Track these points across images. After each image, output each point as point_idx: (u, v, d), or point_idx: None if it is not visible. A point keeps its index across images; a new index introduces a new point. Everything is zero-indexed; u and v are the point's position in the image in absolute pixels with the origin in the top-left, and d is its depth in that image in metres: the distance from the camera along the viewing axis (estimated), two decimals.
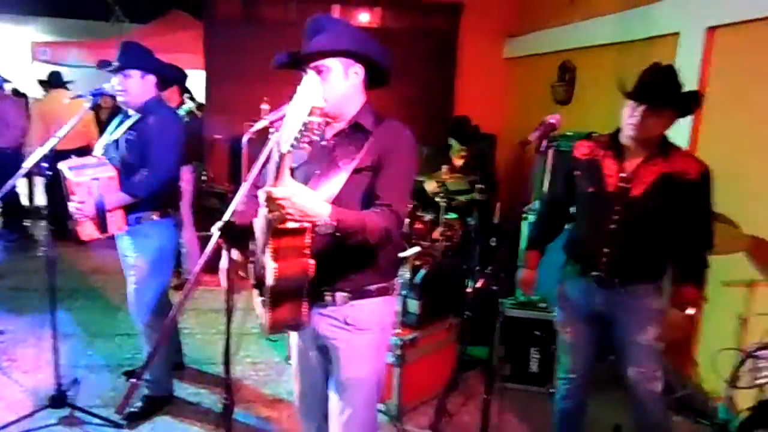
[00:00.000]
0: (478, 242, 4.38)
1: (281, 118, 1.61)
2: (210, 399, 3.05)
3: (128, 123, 2.75)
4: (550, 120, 1.73)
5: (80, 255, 5.32)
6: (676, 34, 3.36)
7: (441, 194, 3.86)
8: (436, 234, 3.92)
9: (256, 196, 1.77)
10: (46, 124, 5.70)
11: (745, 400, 2.76)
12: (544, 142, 1.74)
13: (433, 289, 3.07)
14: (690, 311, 2.17)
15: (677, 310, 2.18)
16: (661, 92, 2.04)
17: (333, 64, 1.71)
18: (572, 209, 2.41)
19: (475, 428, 2.86)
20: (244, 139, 1.62)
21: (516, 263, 3.98)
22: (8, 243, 5.74)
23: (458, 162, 4.48)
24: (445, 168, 4.08)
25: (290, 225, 1.54)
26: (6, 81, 5.70)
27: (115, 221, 2.68)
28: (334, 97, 1.71)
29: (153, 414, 2.84)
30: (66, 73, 6.36)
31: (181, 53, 6.11)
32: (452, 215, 4.10)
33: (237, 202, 1.62)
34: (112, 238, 2.80)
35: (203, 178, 5.45)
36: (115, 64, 2.70)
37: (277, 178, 1.47)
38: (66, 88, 5.88)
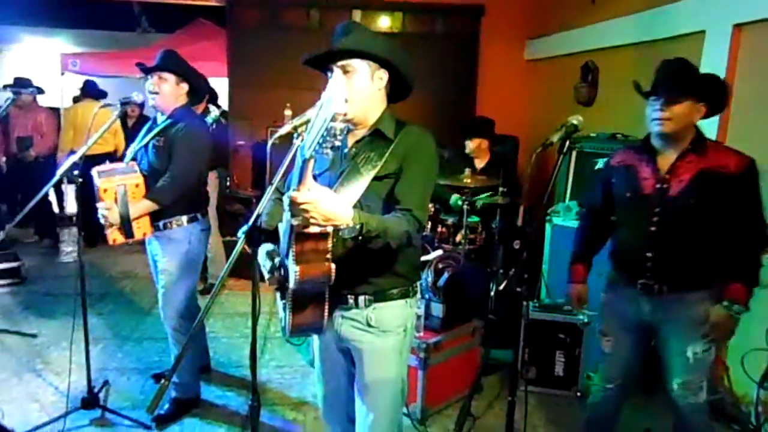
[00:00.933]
0: (501, 245, 4.37)
1: (305, 123, 1.64)
2: (237, 401, 3.09)
3: (157, 129, 2.81)
4: (572, 121, 1.72)
5: (109, 260, 5.45)
6: (702, 32, 3.30)
7: (463, 198, 3.86)
8: (458, 237, 3.93)
9: (280, 201, 1.80)
10: (76, 133, 5.87)
11: None
12: (567, 144, 1.72)
13: (457, 293, 3.07)
14: (737, 310, 2.06)
15: (723, 309, 2.08)
16: (673, 83, 2.02)
17: (360, 65, 1.74)
18: (613, 218, 2.34)
19: (499, 431, 2.86)
20: (269, 144, 1.65)
21: (540, 266, 3.97)
22: (41, 249, 5.89)
23: (479, 163, 4.47)
24: (467, 171, 4.07)
25: (313, 229, 1.56)
26: (40, 92, 5.86)
27: (142, 227, 2.74)
28: (358, 98, 1.73)
29: (181, 416, 2.89)
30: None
31: (206, 61, 6.22)
32: (474, 218, 4.09)
33: (262, 207, 1.64)
34: (142, 242, 2.86)
35: (227, 183, 5.54)
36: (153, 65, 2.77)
37: (300, 182, 1.49)
38: (97, 99, 6.04)
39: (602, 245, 2.43)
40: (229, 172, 5.66)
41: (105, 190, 2.64)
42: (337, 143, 1.39)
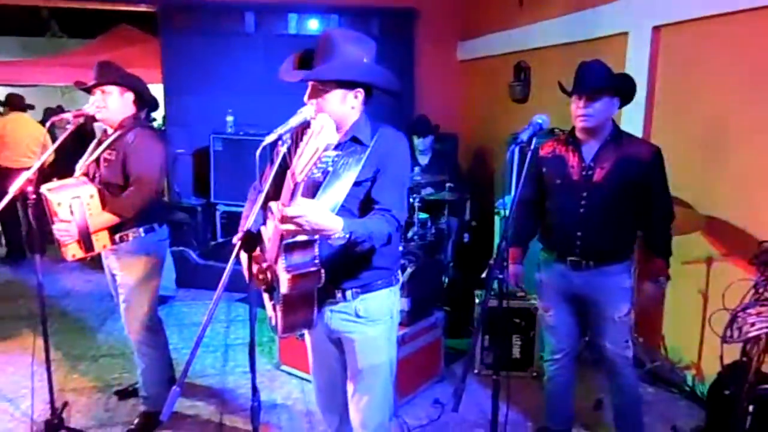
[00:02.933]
0: (450, 239, 4.56)
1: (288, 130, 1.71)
2: (207, 410, 3.08)
3: (107, 142, 2.75)
4: (537, 120, 1.88)
5: (45, 280, 5.16)
6: (625, 33, 3.61)
7: (413, 195, 4.00)
8: (409, 233, 4.06)
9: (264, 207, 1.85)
10: (5, 148, 5.57)
11: (709, 367, 3.03)
12: (533, 141, 1.89)
13: (419, 286, 3.20)
14: (662, 282, 2.41)
15: (651, 283, 2.43)
16: (593, 82, 2.29)
17: (332, 90, 1.80)
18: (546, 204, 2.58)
19: (466, 414, 3.02)
20: (258, 152, 1.69)
21: (489, 256, 4.19)
22: None
23: (423, 160, 4.64)
24: (416, 169, 4.22)
25: (300, 238, 1.64)
26: None
27: (101, 239, 2.68)
28: (334, 114, 1.78)
29: (152, 429, 2.85)
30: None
31: (135, 68, 6.02)
32: (423, 215, 4.25)
33: (255, 214, 1.69)
34: (79, 260, 2.74)
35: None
36: (93, 82, 2.70)
37: (291, 198, 1.56)
38: (24, 111, 5.78)
39: (536, 229, 2.68)
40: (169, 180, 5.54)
41: (59, 204, 2.56)
42: (330, 169, 1.48)
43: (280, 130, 1.73)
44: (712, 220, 3.05)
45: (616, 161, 2.34)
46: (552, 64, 4.48)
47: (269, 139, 1.72)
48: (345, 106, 1.83)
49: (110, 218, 2.64)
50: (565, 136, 2.51)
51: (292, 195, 1.56)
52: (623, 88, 2.39)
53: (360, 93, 1.84)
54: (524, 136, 1.84)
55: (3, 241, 5.91)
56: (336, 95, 1.81)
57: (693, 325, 3.17)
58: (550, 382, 2.71)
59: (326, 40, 1.80)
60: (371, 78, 1.83)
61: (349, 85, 1.81)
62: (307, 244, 1.67)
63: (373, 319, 1.92)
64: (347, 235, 1.63)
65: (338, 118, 1.81)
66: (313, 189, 1.78)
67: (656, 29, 3.40)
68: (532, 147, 1.91)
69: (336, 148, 1.86)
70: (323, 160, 1.47)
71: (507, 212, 1.93)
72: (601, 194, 2.36)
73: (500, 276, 1.79)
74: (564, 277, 2.50)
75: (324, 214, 1.59)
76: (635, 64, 3.47)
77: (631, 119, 3.43)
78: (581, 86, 2.32)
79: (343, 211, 1.76)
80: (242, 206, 2.11)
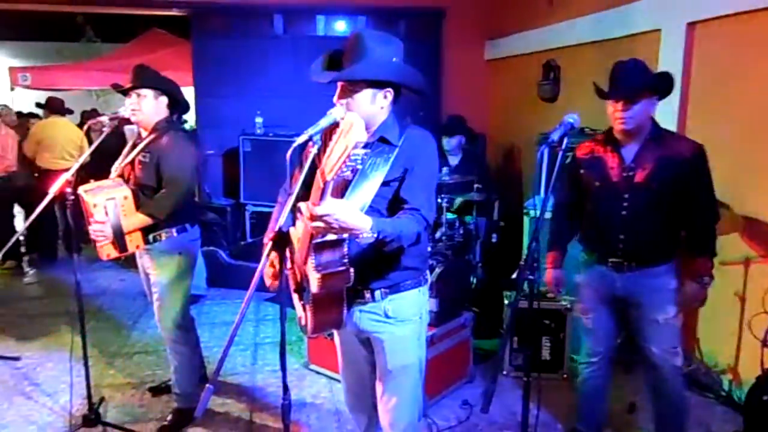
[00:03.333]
0: (479, 240, 4.54)
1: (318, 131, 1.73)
2: (237, 408, 3.13)
3: (142, 145, 2.81)
4: (568, 119, 1.86)
5: (80, 278, 5.31)
6: (658, 30, 3.54)
7: (441, 195, 3.99)
8: (437, 234, 4.05)
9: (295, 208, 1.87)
10: (43, 150, 5.74)
11: (747, 372, 2.95)
12: (564, 140, 1.87)
13: (447, 287, 3.19)
14: (706, 281, 2.34)
15: (694, 283, 2.35)
16: (630, 84, 2.23)
17: (363, 90, 1.81)
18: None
19: (495, 415, 3.01)
20: (288, 153, 1.71)
21: (518, 257, 4.15)
22: (2, 271, 5.68)
23: (453, 161, 4.62)
24: (444, 169, 4.21)
25: (329, 237, 1.65)
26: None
27: (134, 240, 2.74)
28: (363, 114, 1.79)
29: (185, 426, 2.90)
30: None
31: (166, 71, 6.15)
32: (450, 215, 4.23)
33: (286, 214, 1.71)
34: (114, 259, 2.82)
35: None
36: (129, 85, 2.77)
37: (321, 198, 1.57)
38: (63, 115, 5.97)
39: (575, 232, 2.64)
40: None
41: (95, 205, 2.63)
42: (359, 167, 1.48)
43: (310, 130, 1.74)
44: (750, 221, 2.97)
45: (657, 161, 2.27)
46: (583, 62, 4.42)
47: (300, 140, 1.74)
48: (374, 106, 1.84)
49: (144, 219, 2.70)
50: (603, 136, 2.45)
51: (322, 194, 1.57)
52: (661, 87, 2.32)
53: (389, 93, 1.85)
54: (555, 136, 1.82)
55: (23, 249, 6.04)
56: (366, 95, 1.82)
57: (730, 328, 3.09)
58: (584, 384, 2.66)
59: (355, 41, 1.81)
60: (401, 77, 1.83)
61: (378, 84, 1.81)
62: (336, 244, 1.68)
63: (402, 320, 1.92)
64: (376, 234, 1.64)
65: (367, 118, 1.82)
66: (342, 189, 1.79)
67: (690, 26, 3.32)
68: (563, 147, 1.88)
69: (364, 147, 1.87)
70: (353, 158, 1.47)
71: (537, 213, 1.91)
72: (643, 195, 2.30)
73: (531, 277, 1.77)
74: (605, 279, 2.45)
75: (353, 212, 1.60)
76: (669, 62, 3.39)
77: (665, 119, 3.35)
78: (618, 89, 2.26)
79: (372, 211, 1.76)
80: (271, 206, 2.13)
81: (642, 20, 3.71)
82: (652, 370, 2.45)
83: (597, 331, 2.55)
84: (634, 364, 3.09)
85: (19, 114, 7.31)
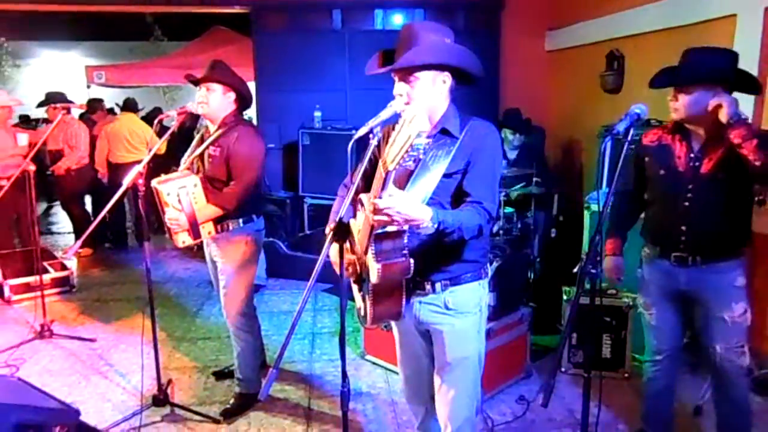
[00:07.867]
0: (537, 234, 4.46)
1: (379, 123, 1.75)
2: (296, 394, 3.21)
3: (211, 139, 2.92)
4: (635, 110, 1.81)
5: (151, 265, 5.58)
6: (733, 16, 3.36)
7: (499, 189, 3.94)
8: (495, 228, 4.01)
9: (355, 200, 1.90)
10: (112, 144, 6.08)
11: None
12: (631, 132, 1.81)
13: (505, 281, 3.16)
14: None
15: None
16: (680, 73, 2.14)
17: (421, 75, 1.82)
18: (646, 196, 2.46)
19: (552, 412, 2.96)
20: (350, 145, 1.75)
21: (577, 252, 4.05)
22: (83, 257, 6.04)
23: (511, 154, 4.56)
24: (502, 162, 4.15)
25: (390, 228, 1.67)
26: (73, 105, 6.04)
27: (206, 227, 2.86)
28: (423, 103, 1.81)
29: (246, 410, 3.01)
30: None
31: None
32: (508, 209, 4.18)
33: (346, 205, 1.75)
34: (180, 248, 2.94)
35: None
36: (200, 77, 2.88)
37: (382, 189, 1.60)
38: (134, 112, 6.35)
39: (635, 221, 2.56)
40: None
41: (168, 194, 2.76)
42: (421, 156, 1.49)
43: (371, 123, 1.76)
44: None
45: (725, 151, 2.16)
46: (649, 51, 4.25)
47: (361, 131, 1.77)
48: (434, 93, 1.84)
49: (215, 210, 2.81)
50: (672, 124, 2.34)
51: (384, 184, 1.59)
52: (726, 79, 2.18)
53: (447, 77, 1.85)
54: (621, 128, 1.77)
55: (109, 234, 6.40)
56: (425, 82, 1.82)
57: None
58: (650, 384, 2.57)
59: (406, 32, 1.84)
60: (456, 59, 1.83)
61: (437, 67, 1.82)
62: (396, 235, 1.70)
63: (462, 312, 1.92)
64: (436, 225, 1.65)
65: (429, 105, 1.83)
66: (404, 180, 1.81)
67: None
68: (629, 139, 1.82)
69: (427, 138, 1.88)
70: (415, 148, 1.48)
71: (599, 207, 1.86)
72: (708, 187, 2.20)
73: (593, 271, 1.73)
74: (668, 275, 2.36)
75: (414, 204, 1.61)
76: (744, 49, 3.17)
77: (741, 107, 3.19)
78: (672, 77, 2.19)
79: (434, 203, 1.77)
80: (329, 199, 2.17)
81: (715, 5, 3.53)
82: (715, 371, 2.35)
83: (661, 328, 2.46)
84: (700, 366, 2.98)
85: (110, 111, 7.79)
